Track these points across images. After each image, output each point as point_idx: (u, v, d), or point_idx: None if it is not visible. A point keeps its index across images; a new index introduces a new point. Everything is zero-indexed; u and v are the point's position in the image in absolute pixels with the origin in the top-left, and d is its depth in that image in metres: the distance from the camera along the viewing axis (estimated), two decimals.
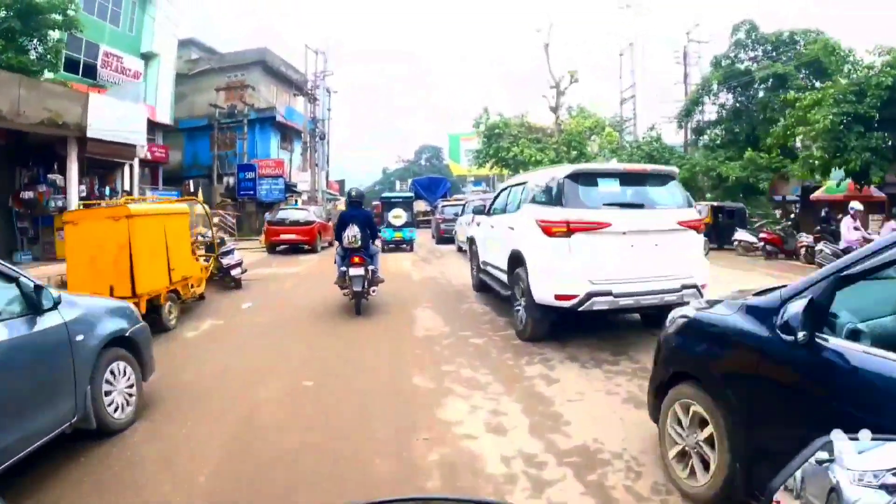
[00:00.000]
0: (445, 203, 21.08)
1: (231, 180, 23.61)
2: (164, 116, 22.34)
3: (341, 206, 32.46)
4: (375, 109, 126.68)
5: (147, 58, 20.92)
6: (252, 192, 23.60)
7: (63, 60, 17.72)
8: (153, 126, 22.40)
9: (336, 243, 7.23)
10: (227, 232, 15.31)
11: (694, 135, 25.34)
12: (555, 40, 34.56)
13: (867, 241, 7.96)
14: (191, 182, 21.71)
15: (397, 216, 15.43)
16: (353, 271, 6.52)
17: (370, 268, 6.67)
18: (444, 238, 17.05)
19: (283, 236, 14.93)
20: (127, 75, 19.34)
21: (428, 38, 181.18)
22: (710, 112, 24.44)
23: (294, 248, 15.15)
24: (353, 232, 6.63)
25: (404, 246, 15.30)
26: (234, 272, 8.95)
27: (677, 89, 27.82)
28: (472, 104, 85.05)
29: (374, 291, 6.92)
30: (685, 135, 25.98)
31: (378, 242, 8.01)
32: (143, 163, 21.83)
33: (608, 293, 4.53)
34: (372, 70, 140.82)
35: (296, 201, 23.25)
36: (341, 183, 36.28)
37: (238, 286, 9.10)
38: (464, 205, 15.52)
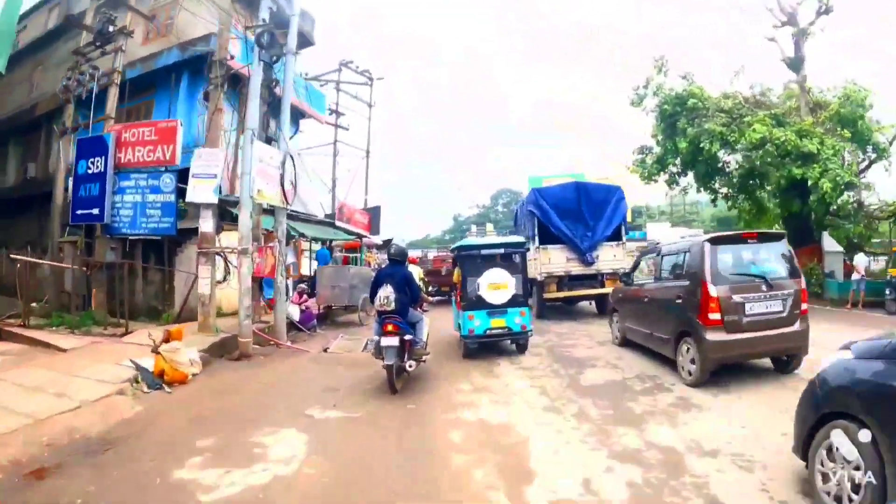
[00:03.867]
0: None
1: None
2: None
3: (378, 258, 21.64)
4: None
5: None
6: (98, 213, 9.82)
7: None
8: None
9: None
10: None
11: None
12: None
13: None
14: None
15: (497, 285, 7.56)
16: (385, 341, 5.77)
17: (407, 338, 5.86)
18: None
19: None
20: None
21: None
22: None
23: None
24: (385, 293, 5.87)
25: (510, 343, 7.96)
26: None
27: None
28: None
29: (410, 367, 5.93)
30: None
31: (422, 308, 6.83)
32: None
33: None
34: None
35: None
36: (374, 213, 20.38)
37: None
38: None
